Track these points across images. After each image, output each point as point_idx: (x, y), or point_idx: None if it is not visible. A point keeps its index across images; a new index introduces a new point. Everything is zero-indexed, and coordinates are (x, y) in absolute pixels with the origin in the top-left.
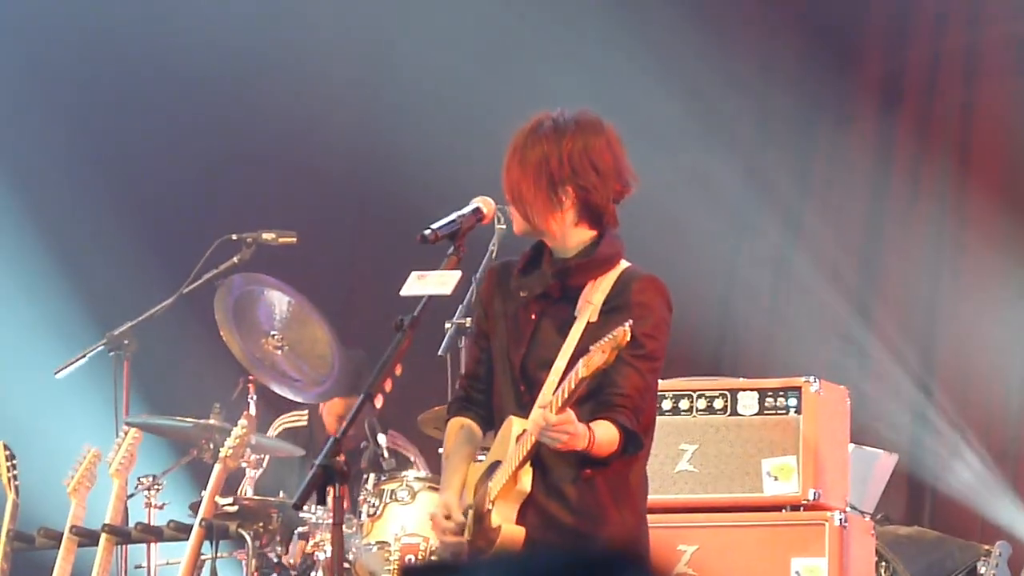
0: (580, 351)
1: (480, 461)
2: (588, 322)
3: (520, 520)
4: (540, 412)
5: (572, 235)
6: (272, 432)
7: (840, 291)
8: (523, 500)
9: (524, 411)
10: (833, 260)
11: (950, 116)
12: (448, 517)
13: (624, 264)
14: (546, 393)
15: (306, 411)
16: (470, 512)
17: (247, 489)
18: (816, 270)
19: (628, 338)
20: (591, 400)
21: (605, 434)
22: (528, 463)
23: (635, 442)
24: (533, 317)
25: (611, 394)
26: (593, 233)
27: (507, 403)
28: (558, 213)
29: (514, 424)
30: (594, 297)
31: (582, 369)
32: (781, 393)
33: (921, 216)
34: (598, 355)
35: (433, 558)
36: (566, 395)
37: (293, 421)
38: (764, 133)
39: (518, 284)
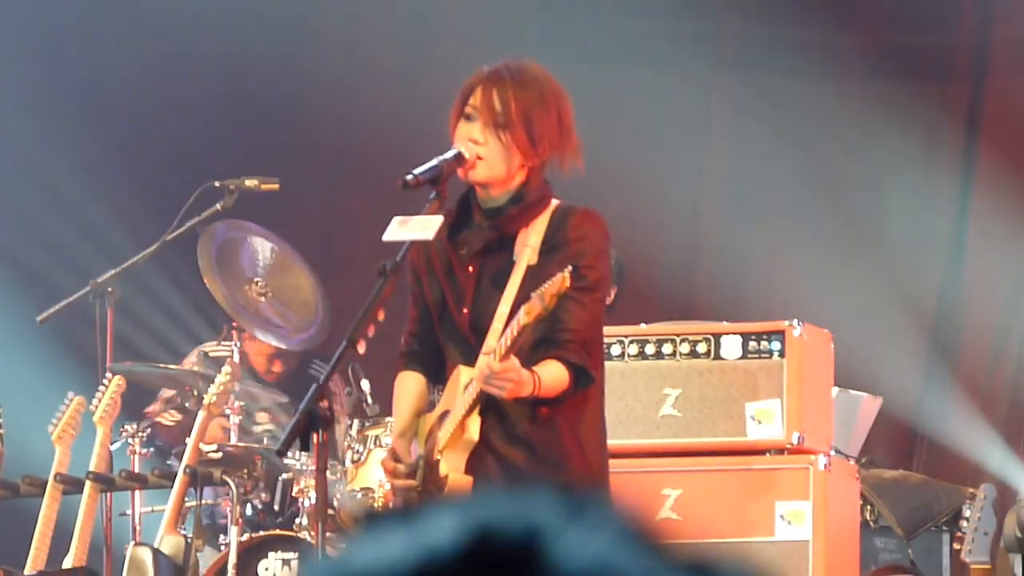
0: (522, 296)
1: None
2: (528, 265)
3: (479, 468)
4: (484, 360)
5: (512, 182)
6: (194, 357)
7: (823, 230)
8: (471, 449)
9: (476, 364)
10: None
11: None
12: (396, 461)
13: (554, 202)
14: (490, 341)
15: (230, 341)
16: (421, 462)
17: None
18: (798, 204)
19: (568, 284)
20: (543, 343)
21: (552, 375)
22: (476, 411)
23: (585, 376)
24: (471, 270)
25: (557, 331)
26: (522, 179)
27: (458, 358)
28: (534, 154)
29: (462, 374)
30: (530, 240)
31: (523, 317)
32: (764, 337)
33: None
34: (538, 302)
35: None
36: (509, 343)
37: (216, 349)
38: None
39: (454, 242)
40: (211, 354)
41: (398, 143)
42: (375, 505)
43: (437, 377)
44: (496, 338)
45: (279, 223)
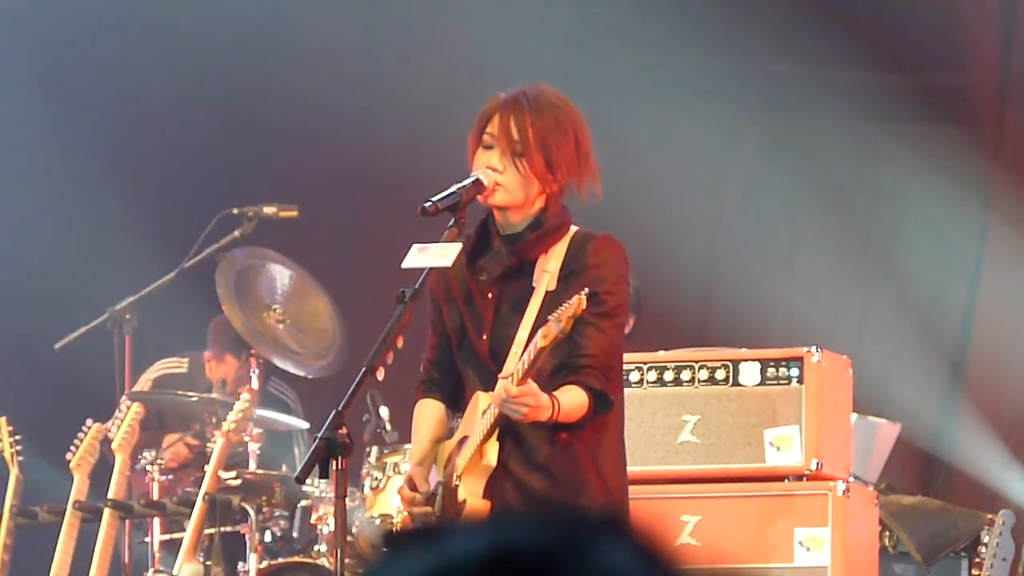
0: (541, 322)
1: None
2: (547, 291)
3: (497, 494)
4: (502, 384)
5: (531, 208)
6: (150, 375)
7: (839, 254)
8: (489, 474)
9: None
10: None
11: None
12: (414, 489)
13: (573, 228)
14: (509, 366)
15: (187, 358)
16: (440, 488)
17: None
18: (818, 231)
19: (584, 307)
20: (562, 369)
21: (571, 400)
22: (494, 436)
23: (604, 401)
24: (490, 297)
25: (576, 356)
26: (541, 205)
27: (477, 384)
28: (552, 180)
29: (481, 399)
30: (549, 266)
31: (540, 340)
32: (783, 363)
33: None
34: (555, 325)
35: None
36: (526, 366)
37: (173, 367)
38: (751, 93)
39: (474, 268)
40: (166, 372)
41: (418, 169)
42: (393, 528)
43: (456, 404)
44: (515, 363)
45: (298, 250)
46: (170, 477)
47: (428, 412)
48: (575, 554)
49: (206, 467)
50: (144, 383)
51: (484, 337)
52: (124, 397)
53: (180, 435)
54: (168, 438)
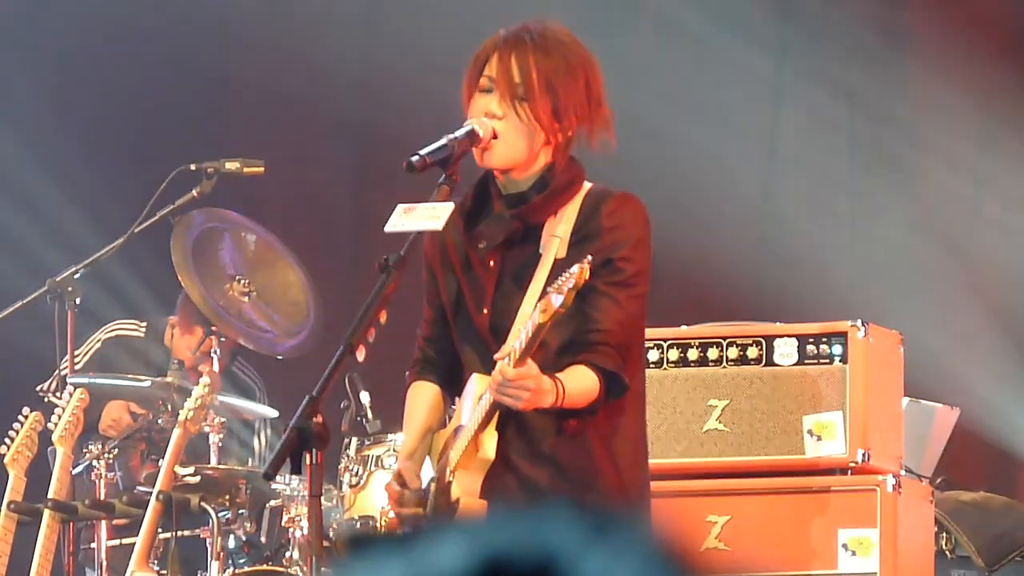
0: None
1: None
2: (556, 259)
3: (497, 491)
4: (498, 368)
5: (535, 164)
6: (103, 336)
7: (892, 219)
8: (487, 469)
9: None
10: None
11: None
12: (403, 485)
13: (587, 186)
14: (509, 343)
15: (146, 323)
16: (433, 485)
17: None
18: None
19: (587, 276)
20: (572, 346)
21: (578, 383)
22: (492, 425)
23: (618, 384)
24: (492, 265)
25: (588, 332)
26: (548, 159)
27: (476, 365)
28: (558, 129)
29: (477, 383)
30: (558, 229)
31: (539, 315)
32: (824, 340)
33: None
34: (555, 297)
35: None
36: (524, 345)
37: (129, 329)
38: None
39: (472, 235)
40: (120, 333)
41: (401, 118)
42: (369, 530)
43: (455, 388)
44: (515, 340)
45: (265, 212)
46: (119, 474)
47: (421, 397)
48: (575, 563)
49: (160, 461)
50: (94, 343)
51: (485, 311)
52: (66, 381)
53: (125, 401)
54: (110, 405)
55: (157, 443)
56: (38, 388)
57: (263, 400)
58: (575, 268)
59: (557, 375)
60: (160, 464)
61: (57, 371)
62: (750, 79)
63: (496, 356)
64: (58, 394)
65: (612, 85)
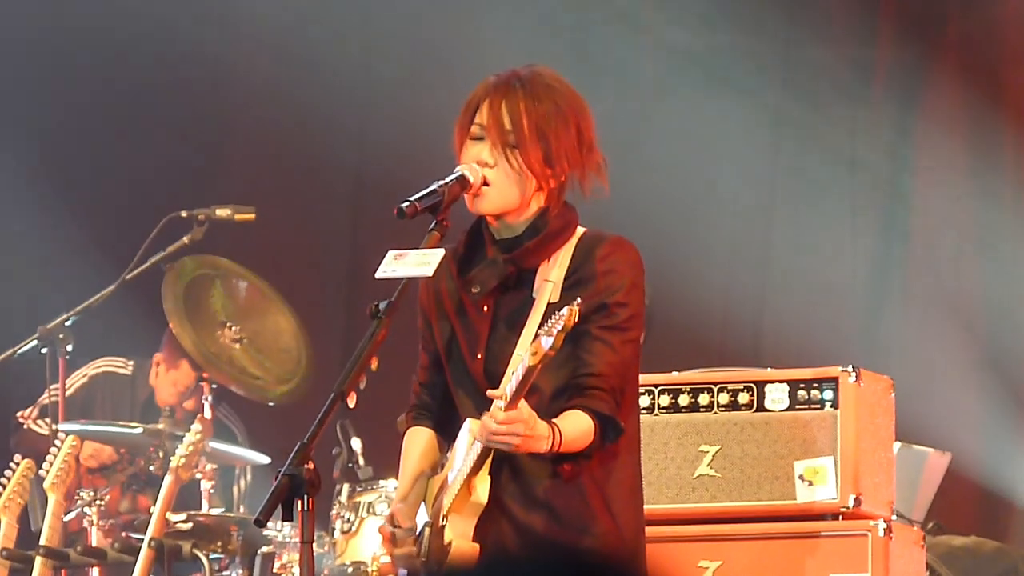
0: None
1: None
2: (549, 303)
3: (491, 535)
4: (487, 414)
5: (528, 209)
6: (90, 371)
7: (883, 265)
8: (480, 513)
9: None
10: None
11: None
12: (396, 527)
13: (580, 230)
14: (502, 387)
15: (133, 361)
16: (427, 529)
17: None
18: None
19: (576, 318)
20: (566, 390)
21: (574, 428)
22: (484, 470)
23: (613, 427)
24: (486, 309)
25: (582, 376)
26: (540, 204)
27: (471, 410)
28: (550, 176)
29: (471, 427)
30: (552, 274)
31: (529, 358)
32: (815, 385)
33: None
34: (545, 339)
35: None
36: (515, 389)
37: (116, 366)
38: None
39: (466, 280)
40: (108, 369)
41: (390, 168)
42: None
43: (450, 432)
44: (506, 385)
45: (257, 259)
46: (112, 522)
47: (416, 442)
48: None
49: (152, 508)
50: (79, 377)
51: (479, 356)
52: (46, 410)
53: None
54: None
55: (138, 475)
56: (18, 414)
57: (245, 444)
58: (564, 311)
59: (554, 420)
60: (139, 495)
61: (39, 400)
62: (749, 120)
63: (490, 394)
64: (39, 422)
65: (615, 124)
